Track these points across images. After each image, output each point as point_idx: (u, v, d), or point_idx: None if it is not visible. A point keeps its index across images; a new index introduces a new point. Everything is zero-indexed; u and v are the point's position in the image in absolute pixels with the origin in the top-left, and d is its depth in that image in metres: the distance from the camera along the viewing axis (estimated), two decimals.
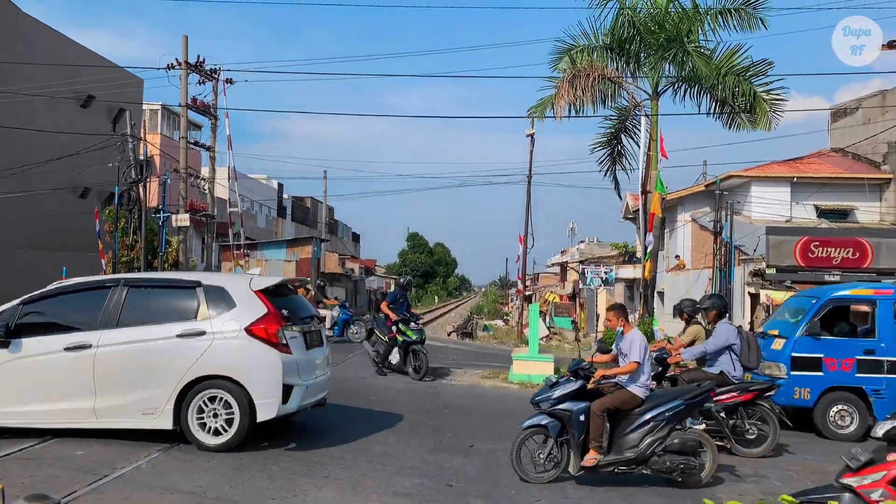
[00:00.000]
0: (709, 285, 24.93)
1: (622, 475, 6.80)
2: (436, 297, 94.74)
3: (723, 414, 8.31)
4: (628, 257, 35.85)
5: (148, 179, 24.82)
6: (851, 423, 9.67)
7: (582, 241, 58.76)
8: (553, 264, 66.26)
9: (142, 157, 24.14)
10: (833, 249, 21.24)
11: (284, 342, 7.42)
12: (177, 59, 24.30)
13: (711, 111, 14.93)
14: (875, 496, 4.29)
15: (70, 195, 28.04)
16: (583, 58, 15.10)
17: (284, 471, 6.80)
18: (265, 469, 6.82)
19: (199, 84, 25.71)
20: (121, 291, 7.67)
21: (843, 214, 24.43)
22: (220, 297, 7.53)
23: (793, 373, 9.72)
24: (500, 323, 47.41)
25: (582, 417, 6.70)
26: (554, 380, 7.18)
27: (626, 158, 16.64)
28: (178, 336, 7.34)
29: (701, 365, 9.10)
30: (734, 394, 8.40)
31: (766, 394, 8.58)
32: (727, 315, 9.35)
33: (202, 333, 7.32)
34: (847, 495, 4.45)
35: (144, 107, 35.96)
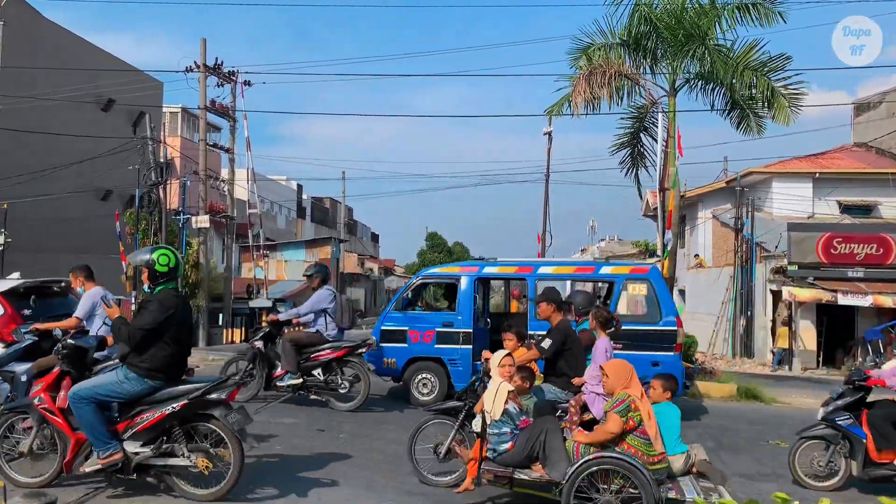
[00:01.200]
0: (730, 283, 24.69)
1: None
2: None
3: (319, 370, 9.61)
4: (649, 255, 35.61)
5: (168, 181, 25.07)
6: (432, 390, 10.52)
7: (602, 240, 58.40)
8: None
9: (162, 160, 24.40)
10: (856, 245, 20.95)
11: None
12: (195, 62, 24.52)
13: (727, 109, 14.75)
14: None
15: (92, 198, 28.37)
16: (600, 55, 15.00)
17: (300, 470, 6.81)
18: (281, 468, 6.84)
19: (218, 86, 25.94)
20: None
21: (866, 210, 24.07)
22: None
23: (382, 344, 10.64)
24: None
25: None
26: None
27: (648, 157, 16.51)
28: None
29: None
30: (328, 351, 9.68)
31: (357, 351, 9.79)
32: (327, 282, 10.36)
33: None
34: None
35: (164, 109, 36.34)
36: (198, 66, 24.50)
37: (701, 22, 14.01)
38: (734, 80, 13.84)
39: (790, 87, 13.89)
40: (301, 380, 9.63)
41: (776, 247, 22.47)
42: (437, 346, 10.57)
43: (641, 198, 17.85)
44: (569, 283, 13.44)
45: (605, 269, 10.95)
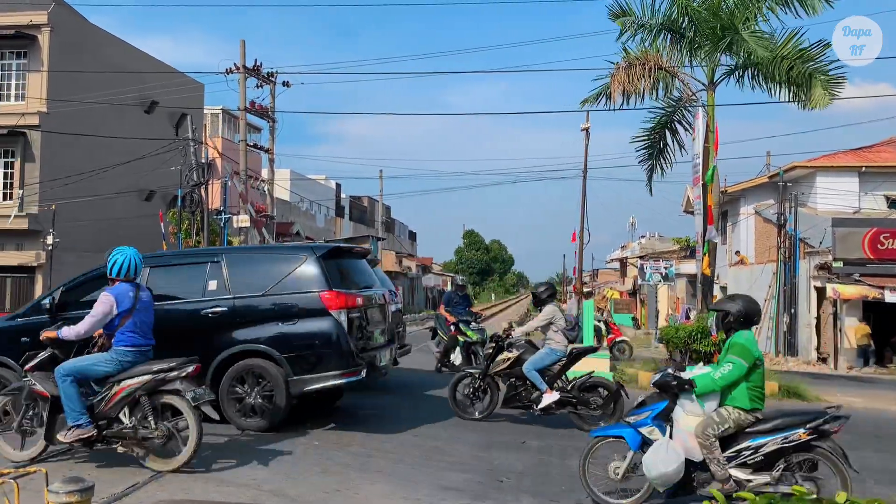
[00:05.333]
0: (773, 279, 24.27)
1: None
2: (492, 295, 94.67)
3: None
4: (690, 252, 35.15)
5: (209, 182, 25.53)
6: None
7: (643, 236, 57.85)
8: (613, 260, 65.39)
9: (203, 161, 24.86)
10: None
11: None
12: (235, 64, 24.93)
13: (774, 94, 14.46)
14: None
15: (136, 198, 29.01)
16: (635, 35, 14.89)
17: (337, 465, 6.91)
18: (319, 463, 6.94)
19: (258, 87, 26.32)
20: None
21: None
22: None
23: None
24: None
25: None
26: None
27: (669, 153, 16.29)
28: None
29: None
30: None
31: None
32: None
33: None
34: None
35: (205, 111, 36.99)
36: (237, 68, 24.90)
37: (745, 12, 13.79)
38: (775, 70, 13.60)
39: (830, 74, 13.61)
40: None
41: (820, 242, 22.02)
42: None
43: (651, 191, 17.51)
44: None
45: None
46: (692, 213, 15.97)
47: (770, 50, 13.44)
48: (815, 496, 2.84)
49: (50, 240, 24.60)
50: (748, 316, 5.97)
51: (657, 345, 23.12)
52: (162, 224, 23.65)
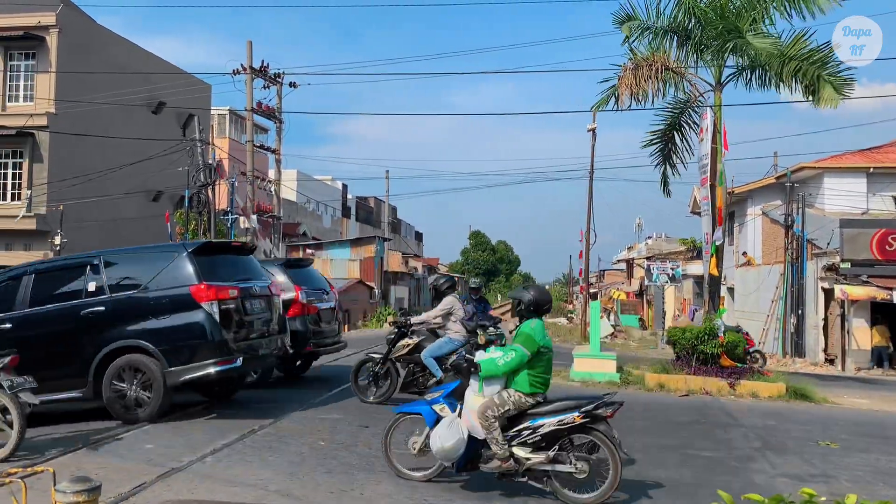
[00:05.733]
0: (780, 281, 24.18)
1: None
2: (498, 296, 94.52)
3: None
4: (696, 253, 35.04)
5: (216, 182, 25.60)
6: None
7: (649, 237, 57.72)
8: (619, 261, 65.27)
9: (210, 161, 24.92)
10: None
11: None
12: (242, 65, 25.00)
13: (782, 94, 14.39)
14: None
15: (143, 199, 29.13)
16: (642, 37, 14.82)
17: (342, 465, 6.92)
18: (324, 463, 6.95)
19: (264, 88, 26.42)
20: None
21: None
22: None
23: None
24: (563, 321, 46.97)
25: None
26: None
27: (680, 154, 16.18)
28: None
29: None
30: None
31: None
32: None
33: None
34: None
35: (212, 112, 37.08)
36: (244, 69, 24.97)
37: (752, 12, 13.72)
38: (781, 71, 13.53)
39: (839, 74, 13.51)
40: None
41: (828, 244, 21.93)
42: None
43: (667, 194, 17.07)
44: None
45: None
46: (699, 213, 15.90)
47: (777, 50, 13.37)
48: (783, 497, 2.87)
49: (58, 240, 24.69)
50: (538, 305, 6.35)
51: (664, 346, 23.07)
52: (168, 224, 23.71)
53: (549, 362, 6.32)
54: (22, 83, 27.02)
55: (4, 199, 26.69)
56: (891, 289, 19.80)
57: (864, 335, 20.88)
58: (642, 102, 14.66)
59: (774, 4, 13.92)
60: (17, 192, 26.54)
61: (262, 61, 25.88)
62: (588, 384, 13.10)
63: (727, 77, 14.60)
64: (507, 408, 6.09)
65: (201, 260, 8.65)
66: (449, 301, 9.73)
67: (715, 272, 14.43)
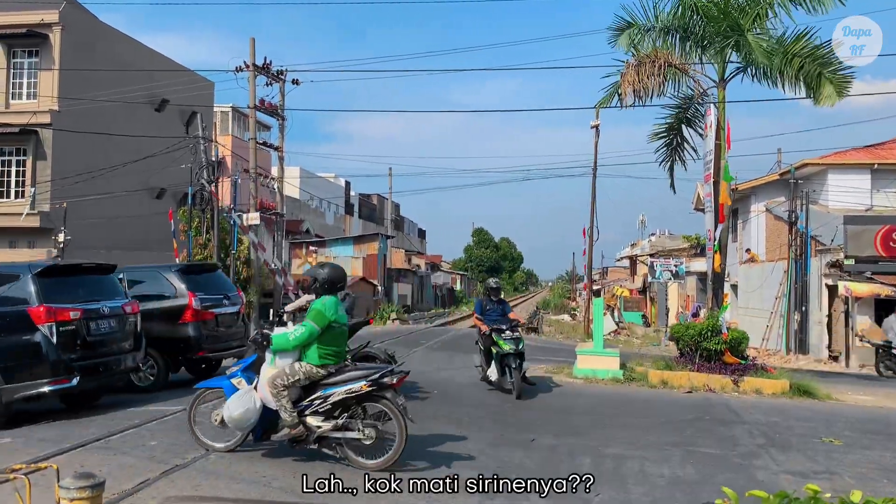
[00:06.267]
0: (784, 277, 24.14)
1: None
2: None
3: None
4: (700, 250, 35.00)
5: (219, 180, 25.60)
6: None
7: (653, 234, 57.73)
8: (623, 258, 65.25)
9: (213, 159, 24.92)
10: None
11: None
12: (244, 62, 24.98)
13: (785, 91, 14.35)
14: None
15: (146, 196, 29.16)
16: (647, 41, 14.77)
17: (346, 462, 6.91)
18: (328, 461, 6.95)
19: (267, 85, 26.37)
20: None
21: None
22: None
23: None
24: (566, 318, 46.95)
25: None
26: None
27: (686, 150, 16.17)
28: None
29: None
30: None
31: None
32: None
33: None
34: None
35: (215, 109, 37.11)
36: (247, 66, 24.97)
37: (755, 8, 13.67)
38: (784, 69, 13.50)
39: (839, 72, 13.49)
40: None
41: (832, 240, 21.88)
42: None
43: (675, 191, 17.39)
44: None
45: None
46: (703, 210, 15.86)
47: (775, 50, 13.35)
48: (771, 494, 2.86)
49: (61, 237, 24.75)
50: (332, 282, 6.81)
51: (667, 342, 23.04)
52: (171, 222, 23.73)
53: (342, 336, 6.84)
54: (25, 81, 27.07)
55: (8, 196, 26.76)
56: (895, 286, 19.75)
57: (868, 332, 20.82)
58: (645, 99, 14.63)
59: (779, 1, 13.87)
60: (21, 189, 26.59)
61: (265, 58, 25.89)
62: (591, 381, 13.10)
63: (730, 73, 14.56)
64: (297, 377, 6.52)
65: (47, 282, 8.92)
66: None
67: (718, 269, 14.41)
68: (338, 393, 6.46)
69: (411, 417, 6.50)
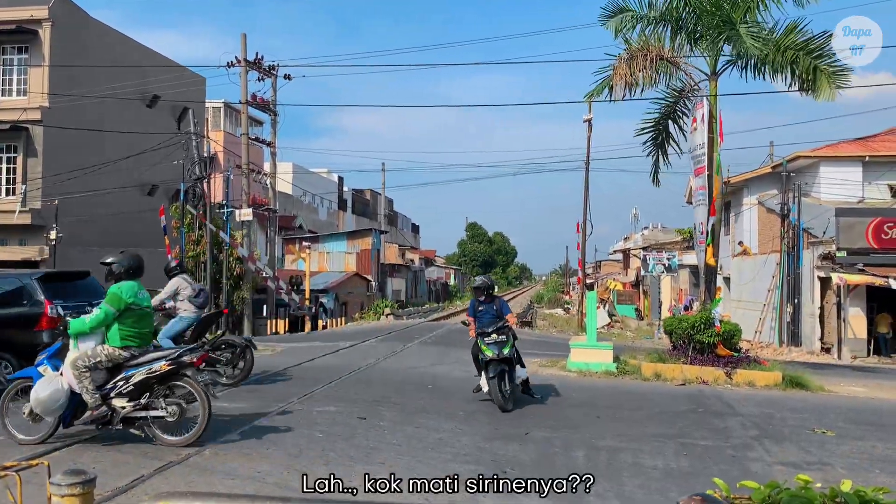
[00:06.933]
0: (776, 270, 24.22)
1: None
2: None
3: None
4: (692, 243, 35.07)
5: (211, 176, 25.49)
6: None
7: (645, 228, 57.89)
8: (616, 251, 65.39)
9: (205, 154, 24.81)
10: None
11: None
12: (236, 58, 24.89)
13: (777, 84, 14.37)
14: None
15: (138, 193, 29.03)
16: (634, 26, 14.75)
17: (341, 457, 6.92)
18: (323, 456, 6.95)
19: (259, 81, 26.29)
20: None
21: None
22: None
23: None
24: (560, 312, 47.04)
25: None
26: None
27: (671, 144, 16.17)
28: None
29: None
30: None
31: None
32: None
33: None
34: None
35: (207, 104, 36.94)
36: (239, 62, 24.88)
37: (746, 2, 13.68)
38: (776, 61, 13.50)
39: (834, 64, 13.48)
40: None
41: (824, 232, 21.97)
42: None
43: (656, 183, 17.00)
44: None
45: None
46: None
47: (766, 43, 13.34)
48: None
49: (53, 235, 24.63)
50: (128, 269, 7.18)
51: (660, 336, 23.12)
52: (162, 218, 23.63)
53: (145, 318, 7.18)
54: (15, 77, 26.87)
55: None
56: (886, 277, 19.85)
57: (860, 324, 20.94)
58: (636, 92, 14.63)
59: None
60: (11, 187, 26.45)
61: (257, 53, 25.82)
62: (585, 374, 13.14)
63: (722, 66, 14.58)
64: (98, 359, 6.83)
65: None
66: (174, 282, 10.48)
67: (711, 262, 14.45)
68: (139, 373, 6.78)
69: (214, 394, 6.96)
